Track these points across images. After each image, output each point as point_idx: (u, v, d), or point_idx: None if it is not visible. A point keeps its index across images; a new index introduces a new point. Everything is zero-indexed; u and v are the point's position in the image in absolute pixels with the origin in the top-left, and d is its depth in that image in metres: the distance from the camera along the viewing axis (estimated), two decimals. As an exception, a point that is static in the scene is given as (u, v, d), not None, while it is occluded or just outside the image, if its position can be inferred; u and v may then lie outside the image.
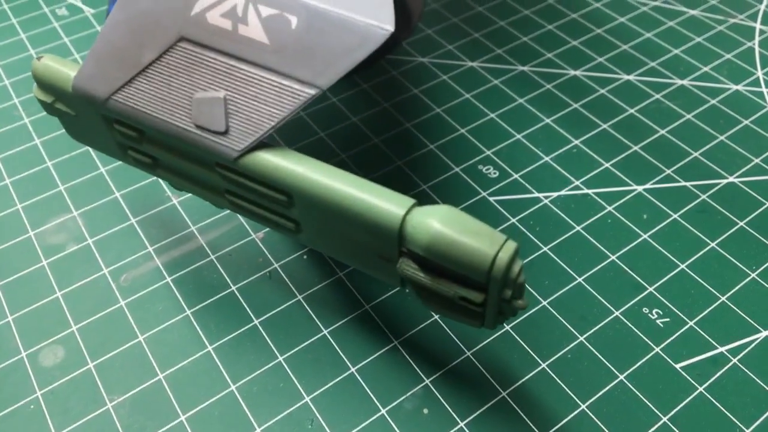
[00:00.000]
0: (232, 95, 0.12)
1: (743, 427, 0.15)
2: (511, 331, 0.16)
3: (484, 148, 0.21)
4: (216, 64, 0.12)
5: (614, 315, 0.17)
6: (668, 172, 0.20)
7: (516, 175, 0.20)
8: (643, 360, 0.16)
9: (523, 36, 0.24)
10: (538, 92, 0.22)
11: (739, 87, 0.22)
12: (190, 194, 0.19)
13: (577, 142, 0.21)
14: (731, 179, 0.20)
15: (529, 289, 0.17)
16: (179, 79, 0.12)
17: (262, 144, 0.12)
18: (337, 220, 0.12)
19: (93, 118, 0.14)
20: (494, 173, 0.20)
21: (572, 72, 0.23)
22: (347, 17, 0.11)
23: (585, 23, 0.25)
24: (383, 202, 0.12)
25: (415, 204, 0.12)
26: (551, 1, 0.26)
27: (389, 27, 0.11)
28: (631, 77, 0.23)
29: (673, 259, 0.18)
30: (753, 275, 0.17)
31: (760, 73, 0.23)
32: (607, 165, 0.20)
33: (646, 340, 0.16)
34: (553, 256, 0.18)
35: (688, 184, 0.19)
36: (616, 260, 0.18)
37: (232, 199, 0.14)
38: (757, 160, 0.20)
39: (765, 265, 0.18)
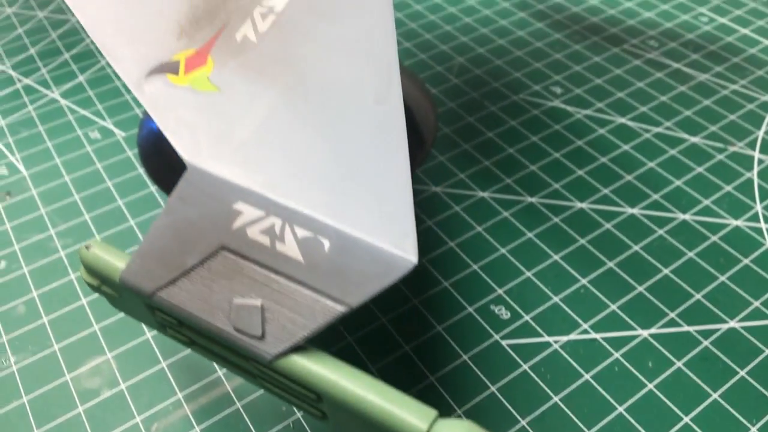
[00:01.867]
0: (269, 304, 0.13)
1: None
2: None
3: (496, 287, 0.22)
4: (254, 274, 0.13)
5: (622, 473, 0.17)
6: (672, 315, 0.21)
7: (527, 317, 0.21)
8: None
9: (531, 164, 0.26)
10: (546, 226, 0.23)
11: (739, 222, 0.23)
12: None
13: (584, 281, 0.22)
14: (732, 324, 0.21)
15: (540, 442, 0.18)
16: (219, 284, 0.14)
17: (295, 347, 0.13)
18: (362, 422, 0.13)
19: (137, 303, 0.15)
20: (506, 314, 0.21)
21: (579, 204, 0.24)
22: (374, 246, 0.13)
23: (590, 151, 0.26)
24: (406, 414, 0.13)
25: (437, 417, 0.13)
26: (558, 128, 0.27)
27: (413, 259, 0.12)
28: (635, 211, 0.24)
29: (677, 411, 0.19)
30: (753, 429, 0.18)
31: (759, 207, 0.24)
32: (613, 307, 0.21)
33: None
34: (563, 407, 0.19)
35: (691, 329, 0.20)
36: (624, 413, 0.19)
37: (265, 384, 0.15)
38: (756, 304, 0.21)
39: (765, 419, 0.18)
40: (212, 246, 0.14)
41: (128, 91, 0.29)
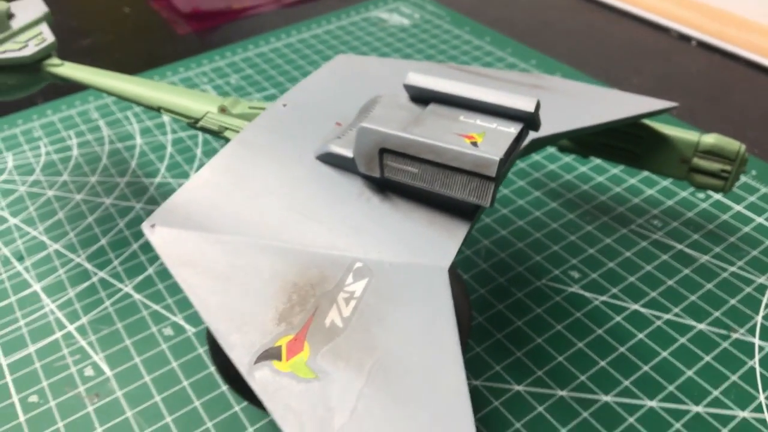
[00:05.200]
0: None
1: None
2: None
3: (537, 486, 0.25)
4: None
5: None
6: None
7: None
8: None
9: (558, 355, 0.29)
10: (576, 422, 0.27)
11: (746, 414, 0.27)
12: None
13: (614, 479, 0.25)
14: None
15: None
16: None
17: None
18: None
19: None
20: None
21: (604, 398, 0.27)
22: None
23: (609, 340, 0.30)
24: None
25: None
26: (579, 315, 0.31)
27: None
28: (653, 404, 0.27)
29: None
30: None
31: (762, 398, 0.27)
32: (641, 507, 0.24)
33: None
34: None
35: None
36: None
37: None
38: (767, 500, 0.24)
39: None
40: None
41: (194, 284, 0.33)
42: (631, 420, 0.27)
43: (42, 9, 0.33)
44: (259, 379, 0.19)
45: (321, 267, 0.21)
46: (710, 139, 0.30)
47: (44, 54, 0.31)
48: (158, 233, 0.22)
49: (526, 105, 0.22)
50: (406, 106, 0.24)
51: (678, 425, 0.26)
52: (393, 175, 0.21)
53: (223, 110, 0.27)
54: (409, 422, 0.18)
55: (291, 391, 0.18)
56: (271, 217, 0.22)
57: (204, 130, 0.27)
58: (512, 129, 0.22)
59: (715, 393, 0.27)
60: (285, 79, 0.49)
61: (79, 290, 0.33)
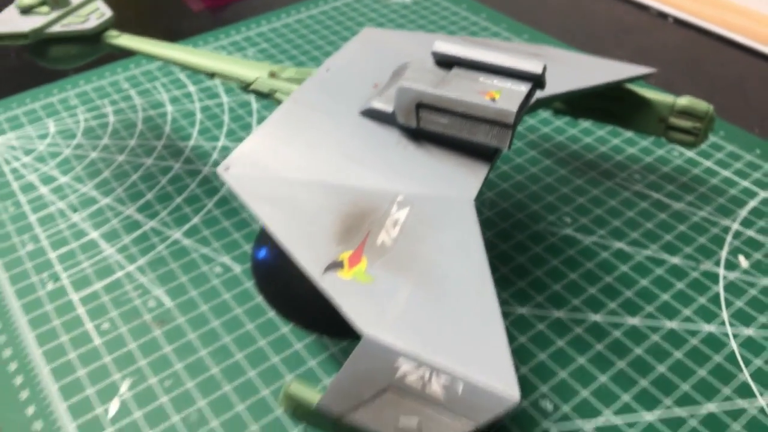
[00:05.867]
0: (423, 422, 0.21)
1: None
2: None
3: (541, 384, 0.30)
4: (412, 404, 0.21)
5: None
6: (667, 402, 0.29)
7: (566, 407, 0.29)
8: None
9: (554, 284, 0.34)
10: (571, 336, 0.32)
11: (711, 328, 0.32)
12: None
13: (603, 378, 0.30)
14: (711, 408, 0.29)
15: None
16: (387, 410, 0.22)
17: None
18: None
19: (323, 421, 0.23)
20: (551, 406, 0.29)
21: (594, 317, 0.33)
22: (490, 389, 0.21)
23: (598, 272, 0.35)
24: None
25: None
26: (572, 253, 0.36)
27: (516, 397, 0.20)
28: (635, 321, 0.32)
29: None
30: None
31: (724, 315, 0.33)
32: (627, 398, 0.29)
33: None
34: (597, 475, 0.27)
35: (682, 412, 0.29)
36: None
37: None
38: (725, 389, 0.29)
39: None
40: (382, 386, 0.22)
41: (237, 230, 0.38)
42: (616, 334, 0.32)
43: (96, -14, 0.37)
44: (328, 284, 0.23)
45: (370, 200, 0.26)
46: (684, 101, 0.35)
47: (104, 26, 0.35)
48: (232, 175, 0.26)
49: (535, 68, 0.26)
50: (432, 70, 0.28)
51: (656, 337, 0.32)
52: (427, 125, 0.26)
53: (273, 75, 0.31)
54: (447, 315, 0.23)
55: (354, 291, 0.23)
56: (326, 161, 0.27)
57: (255, 92, 0.32)
58: (523, 88, 0.27)
59: (686, 312, 0.33)
60: (299, 52, 0.53)
61: (133, 237, 0.37)
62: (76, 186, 0.41)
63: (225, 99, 0.48)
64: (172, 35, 0.56)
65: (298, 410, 0.24)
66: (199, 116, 0.46)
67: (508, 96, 0.26)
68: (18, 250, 0.37)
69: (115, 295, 0.34)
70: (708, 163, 0.41)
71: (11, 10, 0.35)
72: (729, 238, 0.37)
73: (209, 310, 0.33)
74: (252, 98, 0.48)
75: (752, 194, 0.39)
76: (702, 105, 0.35)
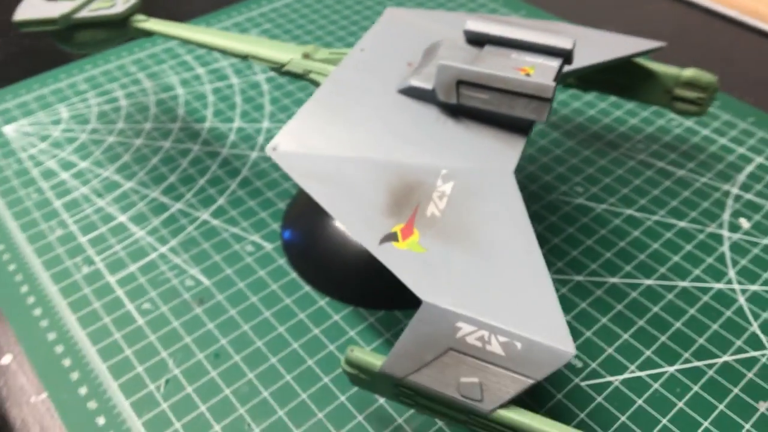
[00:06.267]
0: (484, 380, 0.23)
1: None
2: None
3: (568, 345, 0.32)
4: (473, 363, 0.23)
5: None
6: (686, 355, 0.31)
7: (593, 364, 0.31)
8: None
9: (572, 250, 0.36)
10: (592, 298, 0.34)
11: (720, 285, 0.34)
12: None
13: (626, 335, 0.32)
14: (725, 358, 0.31)
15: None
16: (449, 370, 0.23)
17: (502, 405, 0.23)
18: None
19: (384, 383, 0.25)
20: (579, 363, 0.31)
21: (612, 280, 0.35)
22: (548, 345, 0.22)
23: (611, 237, 0.37)
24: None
25: None
26: (586, 220, 0.38)
27: (572, 351, 0.22)
28: (651, 282, 0.35)
29: (697, 418, 0.29)
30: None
31: (731, 273, 0.35)
32: (648, 352, 0.31)
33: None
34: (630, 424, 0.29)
35: (700, 363, 0.31)
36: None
37: (477, 430, 0.24)
38: (739, 342, 0.32)
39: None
40: (443, 348, 0.24)
41: (263, 209, 0.39)
42: (634, 294, 0.34)
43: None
44: (385, 255, 0.25)
45: (416, 174, 0.27)
46: (689, 72, 0.37)
47: (132, 11, 0.36)
48: (281, 154, 0.28)
49: (566, 44, 0.28)
50: (464, 48, 0.30)
51: (670, 296, 0.34)
52: (467, 101, 0.28)
53: (306, 56, 0.32)
54: (499, 279, 0.24)
55: (410, 261, 0.25)
56: (370, 138, 0.28)
57: (288, 73, 0.33)
58: (555, 63, 0.28)
59: (697, 272, 0.35)
60: (302, 32, 0.54)
61: (161, 219, 0.38)
62: (98, 171, 0.41)
63: (235, 80, 0.49)
64: (175, 16, 0.56)
65: (359, 375, 0.25)
66: (211, 98, 0.47)
67: (541, 71, 0.28)
68: (47, 236, 0.37)
69: (151, 276, 0.35)
70: (706, 132, 0.44)
71: (35, -2, 0.35)
72: (730, 201, 0.39)
73: (246, 286, 0.35)
74: (262, 79, 0.49)
75: (748, 160, 0.42)
76: (706, 76, 0.37)
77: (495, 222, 0.26)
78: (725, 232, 0.37)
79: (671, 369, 0.31)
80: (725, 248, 0.36)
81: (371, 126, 0.28)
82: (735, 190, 0.40)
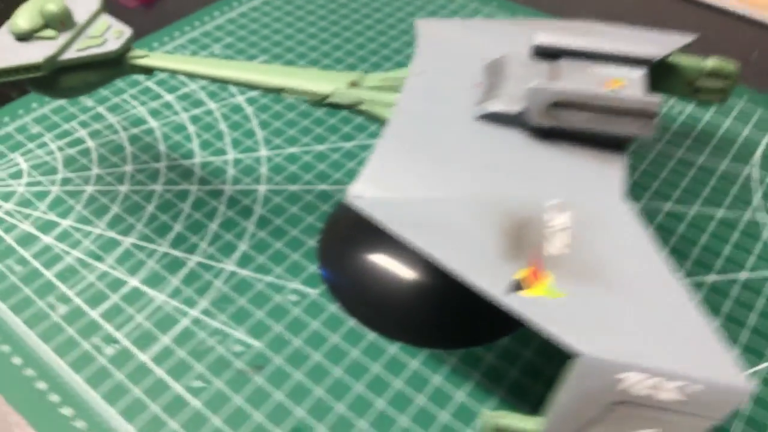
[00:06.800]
0: (666, 429, 0.21)
1: None
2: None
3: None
4: (647, 413, 0.21)
5: None
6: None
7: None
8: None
9: (627, 255, 0.35)
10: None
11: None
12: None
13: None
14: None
15: None
16: (615, 427, 0.21)
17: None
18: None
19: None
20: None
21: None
22: (721, 384, 0.21)
23: (660, 234, 0.36)
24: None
25: None
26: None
27: (747, 387, 0.21)
28: (709, 278, 0.34)
29: None
30: None
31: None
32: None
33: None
34: None
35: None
36: None
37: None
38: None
39: None
40: (607, 401, 0.22)
41: (293, 250, 0.35)
42: (702, 293, 0.34)
43: (96, 0, 0.32)
44: (518, 306, 0.22)
45: (521, 208, 0.25)
46: (711, 62, 0.37)
47: (128, 47, 0.30)
48: (368, 202, 0.24)
49: (650, 52, 0.26)
50: (532, 63, 0.28)
51: (737, 289, 0.34)
52: (564, 123, 0.26)
53: (353, 84, 0.29)
54: (649, 317, 0.23)
55: (549, 308, 0.22)
56: (461, 174, 0.25)
57: (333, 105, 0.29)
58: (638, 72, 0.26)
59: (752, 260, 0.35)
60: (269, 43, 0.49)
61: (180, 277, 0.34)
62: (86, 228, 0.36)
63: (213, 105, 0.44)
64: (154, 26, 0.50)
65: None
66: (192, 128, 0.42)
67: (631, 84, 0.26)
68: (50, 315, 0.32)
69: (191, 347, 0.31)
70: (707, 116, 0.44)
71: (3, 38, 0.29)
72: (756, 184, 0.39)
73: (304, 343, 0.31)
74: (242, 100, 0.44)
75: (757, 139, 0.42)
76: (729, 65, 0.37)
77: (623, 254, 0.24)
78: (761, 214, 0.38)
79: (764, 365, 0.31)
80: (759, 221, 0.37)
81: (458, 159, 0.26)
82: (757, 173, 0.40)
